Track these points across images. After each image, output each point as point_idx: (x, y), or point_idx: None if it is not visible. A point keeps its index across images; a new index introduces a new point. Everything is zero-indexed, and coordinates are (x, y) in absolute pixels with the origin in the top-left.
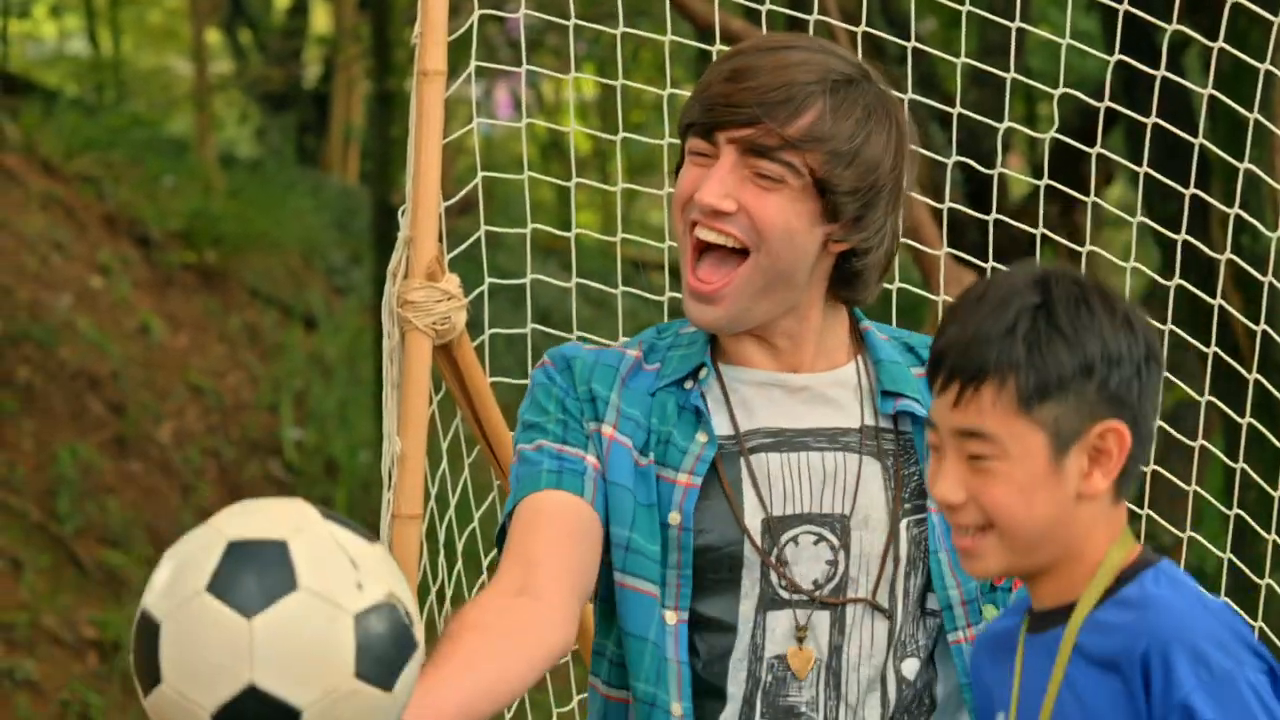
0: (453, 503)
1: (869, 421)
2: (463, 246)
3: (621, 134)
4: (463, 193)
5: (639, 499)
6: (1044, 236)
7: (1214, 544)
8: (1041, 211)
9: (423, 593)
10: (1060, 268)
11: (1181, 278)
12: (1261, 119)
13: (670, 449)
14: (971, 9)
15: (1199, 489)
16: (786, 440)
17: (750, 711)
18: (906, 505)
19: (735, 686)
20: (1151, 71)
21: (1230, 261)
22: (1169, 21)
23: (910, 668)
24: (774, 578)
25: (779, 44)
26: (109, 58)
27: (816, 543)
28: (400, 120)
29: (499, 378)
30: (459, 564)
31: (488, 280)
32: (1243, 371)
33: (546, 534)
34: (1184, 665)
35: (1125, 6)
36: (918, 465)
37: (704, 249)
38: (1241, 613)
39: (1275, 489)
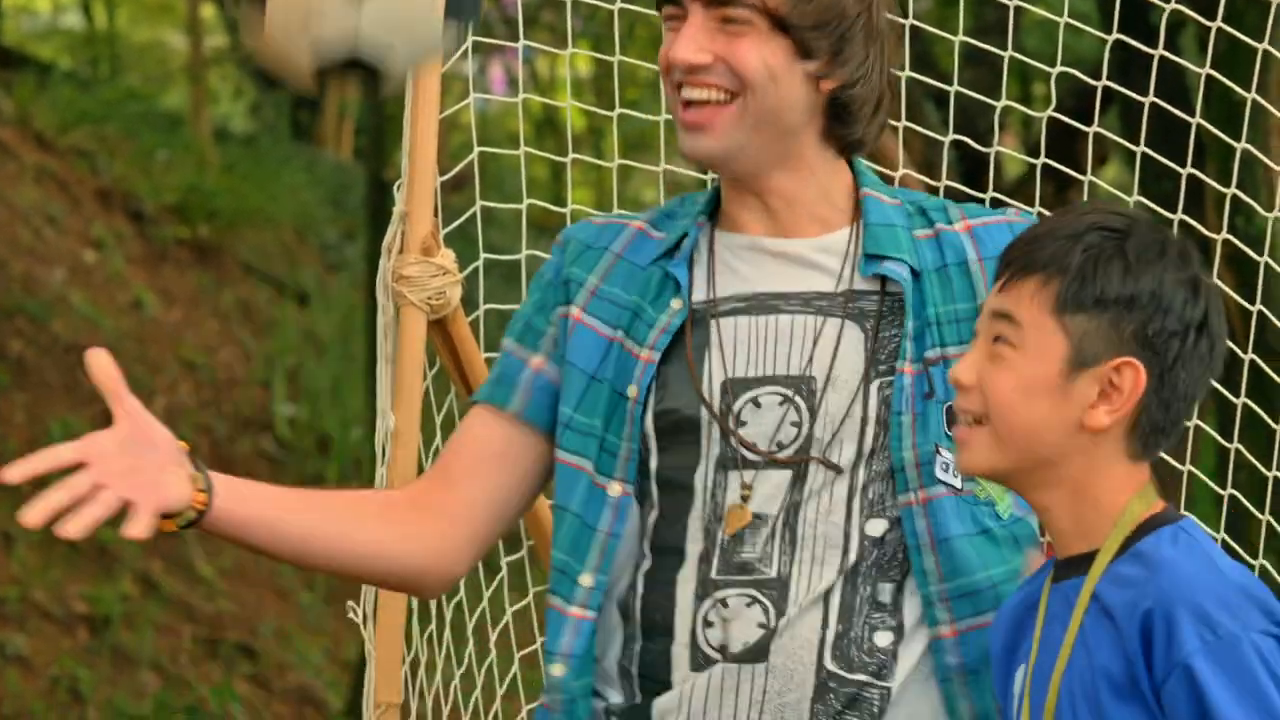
0: None
1: (848, 285)
2: (458, 222)
3: (617, 110)
4: (457, 168)
5: (596, 375)
6: (1040, 215)
7: (1208, 524)
8: (1038, 191)
9: None
10: (1171, 232)
11: None
12: (1258, 99)
13: (638, 323)
14: None
15: (1193, 469)
16: (758, 304)
17: (707, 568)
18: (881, 366)
19: (693, 545)
20: (1148, 51)
21: (1226, 242)
22: (1166, 1)
23: (876, 527)
24: (731, 438)
25: None
26: (104, 31)
27: (781, 403)
28: (395, 96)
29: (493, 353)
30: None
31: (482, 256)
32: (1237, 351)
33: (467, 457)
34: (1188, 626)
35: None
36: (900, 328)
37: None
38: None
39: (1269, 469)
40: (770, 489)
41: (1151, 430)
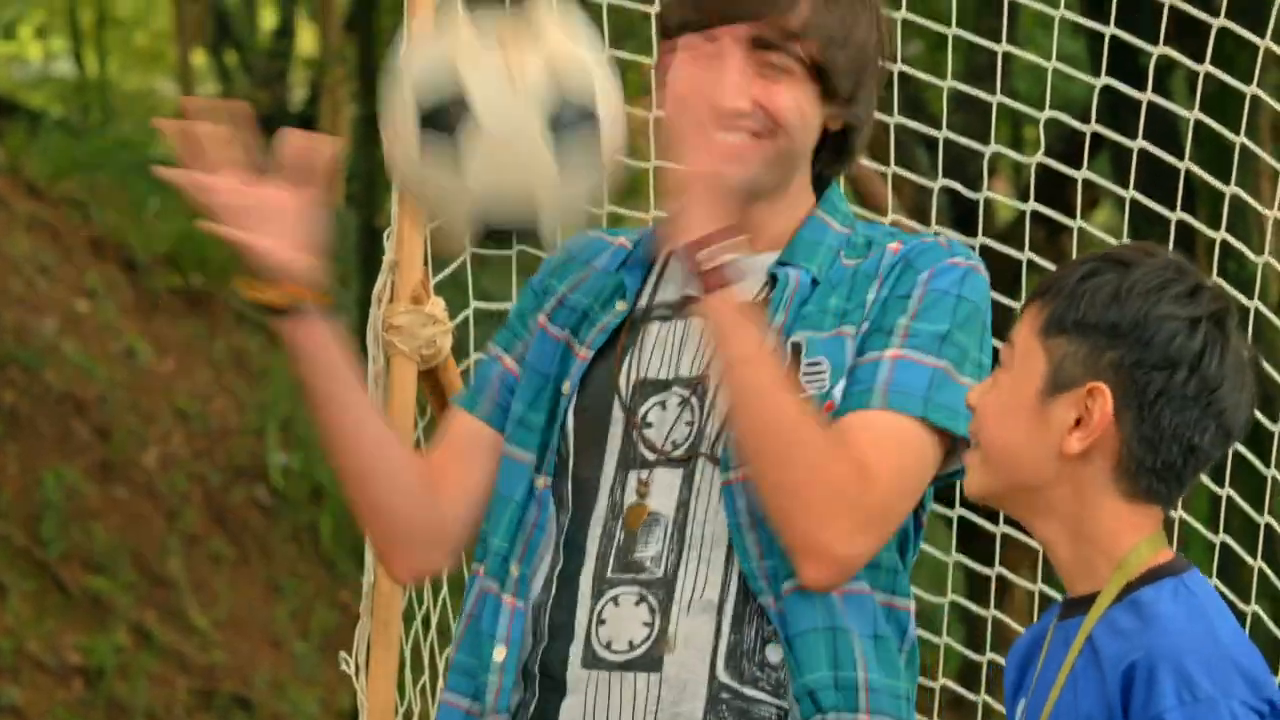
0: None
1: (766, 294)
2: (448, 270)
3: None
4: None
5: (548, 376)
6: (1030, 261)
7: (1200, 570)
8: (1028, 236)
9: (408, 618)
10: (1195, 275)
11: None
12: (1248, 142)
13: (585, 325)
14: (958, 32)
15: (1185, 515)
16: (678, 309)
17: (603, 567)
18: None
19: (593, 544)
20: (1137, 95)
21: (1216, 286)
22: (1155, 44)
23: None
24: (634, 436)
25: None
26: (95, 79)
27: (680, 404)
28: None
29: None
30: (444, 589)
31: (473, 304)
32: None
33: (449, 454)
34: (1168, 684)
35: (1111, 29)
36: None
37: None
38: None
39: (1260, 515)
40: (665, 487)
41: (1139, 469)
